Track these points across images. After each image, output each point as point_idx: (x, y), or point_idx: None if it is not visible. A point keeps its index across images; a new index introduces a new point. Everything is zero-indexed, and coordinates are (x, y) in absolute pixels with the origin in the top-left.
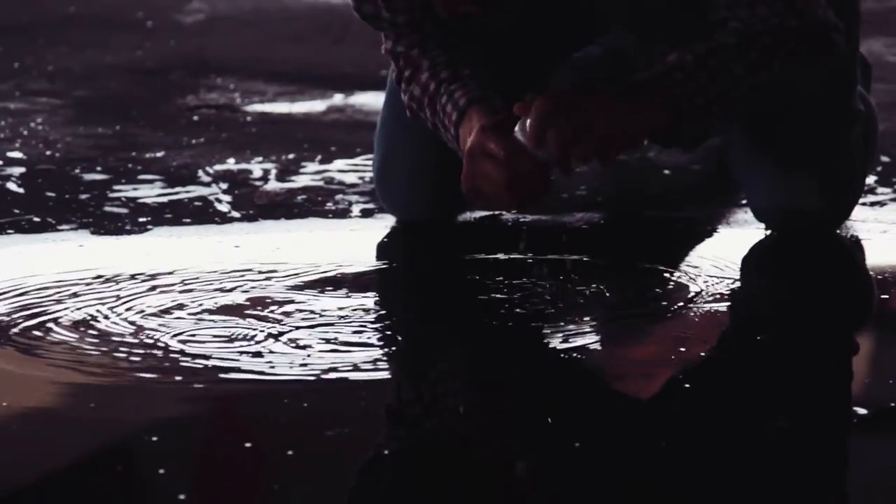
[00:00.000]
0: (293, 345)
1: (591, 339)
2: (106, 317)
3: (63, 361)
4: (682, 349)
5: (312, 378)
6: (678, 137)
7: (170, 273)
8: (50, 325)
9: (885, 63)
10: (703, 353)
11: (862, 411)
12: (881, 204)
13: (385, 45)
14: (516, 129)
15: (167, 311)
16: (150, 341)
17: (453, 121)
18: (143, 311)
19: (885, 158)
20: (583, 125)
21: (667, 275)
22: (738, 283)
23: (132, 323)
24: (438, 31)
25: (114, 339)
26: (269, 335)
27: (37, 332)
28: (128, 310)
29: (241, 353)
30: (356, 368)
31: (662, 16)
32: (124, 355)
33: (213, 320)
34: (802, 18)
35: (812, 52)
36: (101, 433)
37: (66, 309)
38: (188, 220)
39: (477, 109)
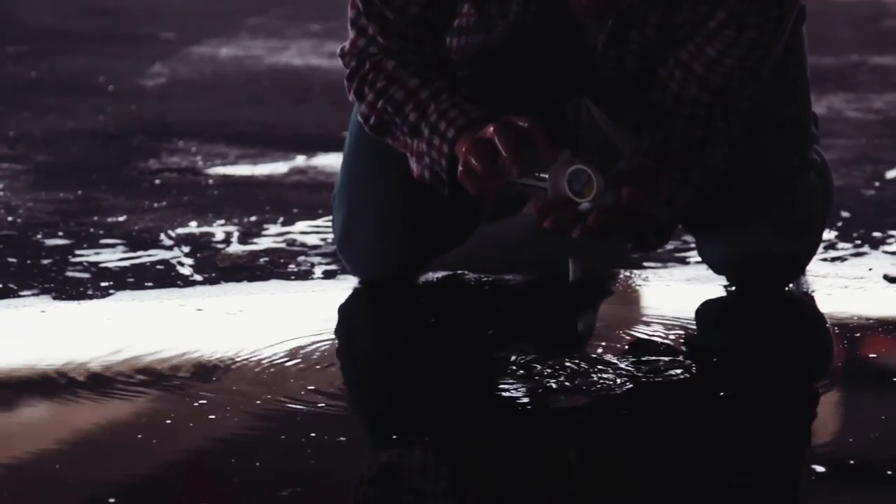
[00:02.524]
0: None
1: (557, 398)
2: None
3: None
4: (643, 406)
5: (275, 436)
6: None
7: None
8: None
9: (845, 118)
10: (665, 409)
11: (819, 469)
12: (842, 259)
13: (352, 41)
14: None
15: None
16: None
17: (458, 125)
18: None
19: (845, 214)
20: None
21: (624, 332)
22: (697, 339)
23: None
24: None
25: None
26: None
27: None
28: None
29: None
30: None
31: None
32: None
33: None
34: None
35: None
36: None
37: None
38: (150, 284)
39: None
